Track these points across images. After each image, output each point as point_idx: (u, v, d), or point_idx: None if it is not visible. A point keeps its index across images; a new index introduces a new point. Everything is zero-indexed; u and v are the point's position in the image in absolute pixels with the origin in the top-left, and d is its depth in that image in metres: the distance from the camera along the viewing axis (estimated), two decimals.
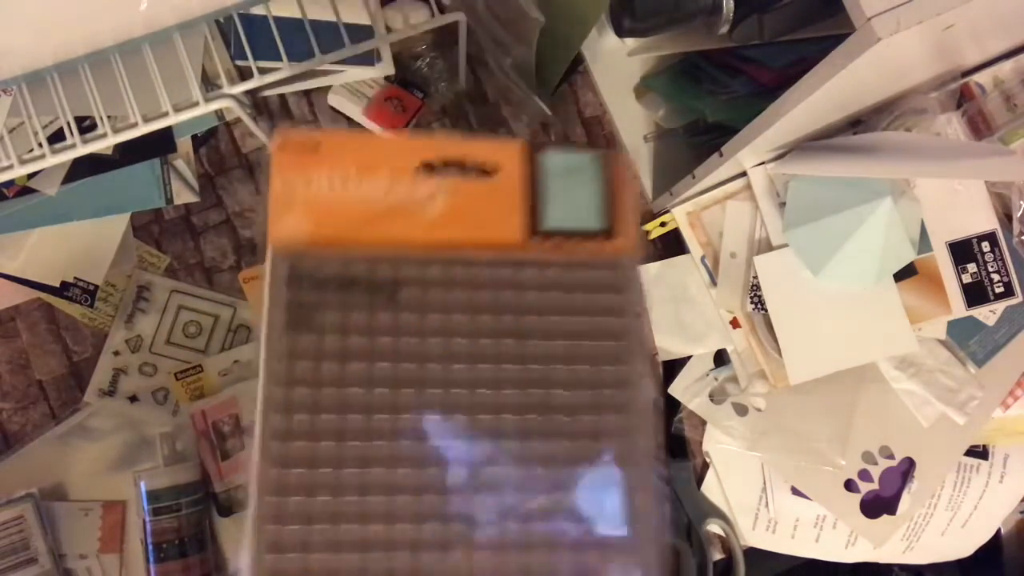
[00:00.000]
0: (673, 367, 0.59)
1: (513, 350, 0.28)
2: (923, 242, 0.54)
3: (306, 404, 0.26)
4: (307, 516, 0.26)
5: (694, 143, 0.57)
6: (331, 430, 0.26)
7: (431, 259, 0.28)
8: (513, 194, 0.28)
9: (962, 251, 0.55)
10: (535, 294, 0.28)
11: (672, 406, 0.59)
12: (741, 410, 0.57)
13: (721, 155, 0.47)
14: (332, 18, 0.49)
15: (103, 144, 0.48)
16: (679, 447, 0.60)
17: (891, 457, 0.58)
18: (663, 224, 0.57)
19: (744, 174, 0.54)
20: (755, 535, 0.60)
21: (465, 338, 0.27)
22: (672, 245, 0.58)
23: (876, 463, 0.58)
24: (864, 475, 0.58)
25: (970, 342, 0.56)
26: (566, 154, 0.29)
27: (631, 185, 0.29)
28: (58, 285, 0.54)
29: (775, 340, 0.53)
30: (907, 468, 0.58)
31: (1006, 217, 0.56)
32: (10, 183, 0.53)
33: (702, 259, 0.56)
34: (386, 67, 0.56)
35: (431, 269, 0.28)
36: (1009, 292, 0.54)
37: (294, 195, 0.28)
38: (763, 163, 0.53)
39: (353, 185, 0.28)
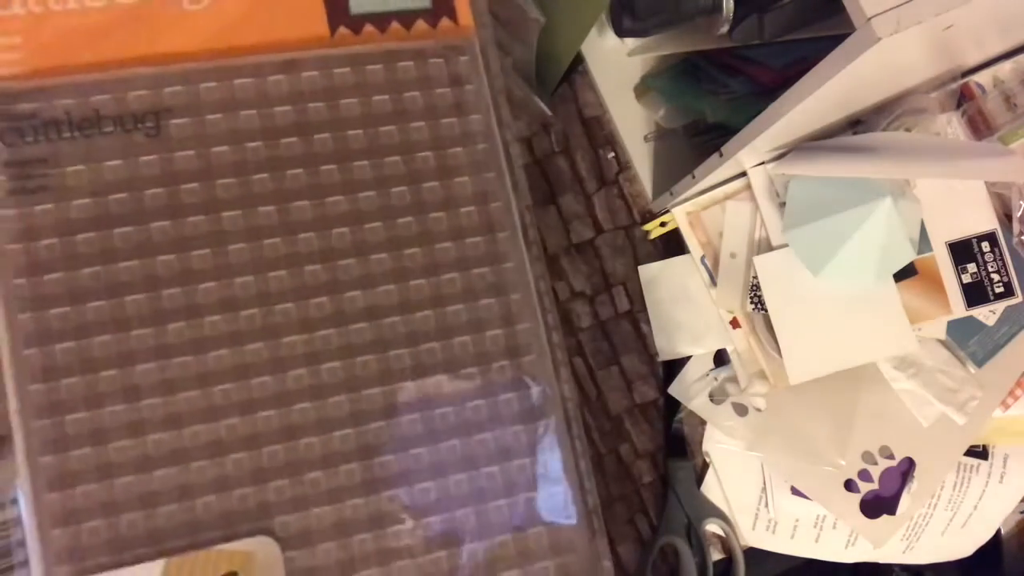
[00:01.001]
0: (673, 367, 0.59)
1: (337, 178, 0.21)
2: (923, 242, 0.54)
3: (63, 296, 0.20)
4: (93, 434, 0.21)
5: (694, 143, 0.57)
6: (103, 323, 0.20)
7: (203, 71, 0.20)
8: None
9: (962, 251, 0.55)
10: (355, 102, 0.21)
11: (672, 406, 0.59)
12: (741, 410, 0.57)
13: (721, 155, 0.47)
14: None
15: None
16: (679, 447, 0.60)
17: (891, 457, 0.58)
18: (663, 224, 0.57)
19: (744, 174, 0.54)
20: (755, 535, 0.60)
21: (268, 174, 0.20)
22: (672, 245, 0.59)
23: (876, 463, 0.58)
24: (864, 475, 0.58)
25: (970, 342, 0.56)
26: None
27: None
28: None
29: (775, 340, 0.53)
30: (907, 468, 0.58)
31: (1006, 217, 0.56)
32: None
33: (702, 259, 0.56)
34: None
35: (206, 87, 0.20)
36: (1009, 292, 0.54)
37: None
38: (763, 163, 0.53)
39: None
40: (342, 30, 0.21)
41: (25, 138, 0.19)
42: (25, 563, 0.23)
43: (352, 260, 0.22)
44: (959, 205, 0.55)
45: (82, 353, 0.20)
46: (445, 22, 0.22)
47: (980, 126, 0.54)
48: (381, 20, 0.21)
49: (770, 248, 0.54)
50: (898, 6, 0.32)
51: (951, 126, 0.54)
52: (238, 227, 0.21)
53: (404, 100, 0.22)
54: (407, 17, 0.22)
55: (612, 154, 0.60)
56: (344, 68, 0.21)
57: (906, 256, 0.52)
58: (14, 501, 0.52)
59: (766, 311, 0.54)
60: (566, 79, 0.60)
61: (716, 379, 0.58)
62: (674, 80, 0.57)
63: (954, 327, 0.56)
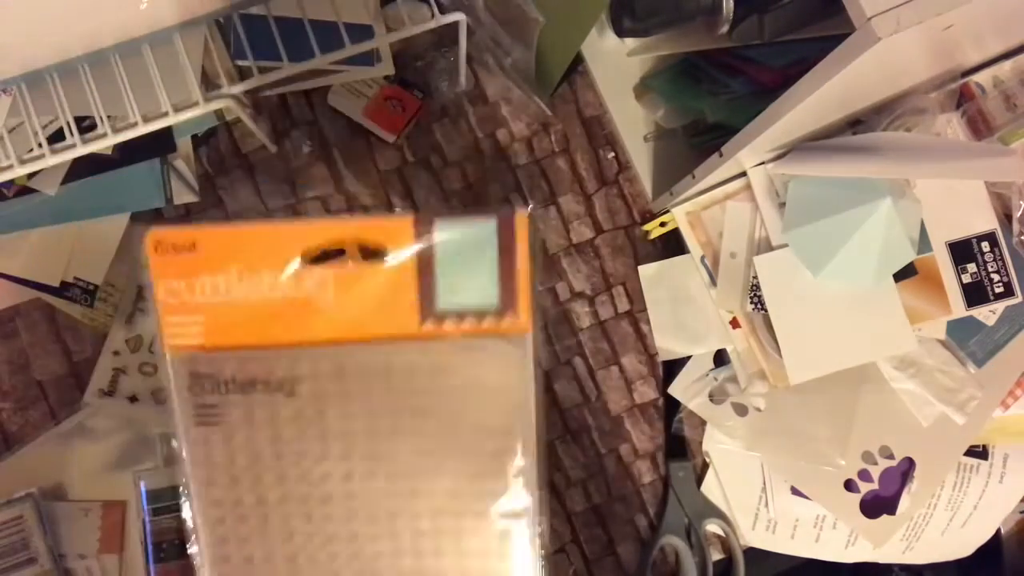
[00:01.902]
0: (673, 367, 0.59)
1: (409, 426, 0.30)
2: (923, 242, 0.54)
3: (227, 500, 0.31)
4: None
5: (694, 143, 0.57)
6: (254, 502, 0.31)
7: (324, 354, 0.30)
8: (404, 276, 0.29)
9: (962, 251, 0.55)
10: (427, 377, 0.30)
11: (672, 406, 0.59)
12: (741, 410, 0.57)
13: (721, 155, 0.47)
14: (332, 18, 0.49)
15: (103, 144, 0.48)
16: (679, 447, 0.60)
17: (891, 457, 0.58)
18: (663, 224, 0.57)
19: (744, 174, 0.54)
20: (755, 535, 0.60)
21: (362, 420, 0.30)
22: (672, 245, 0.59)
23: (876, 463, 0.58)
24: (864, 475, 0.58)
25: (970, 342, 0.56)
26: (458, 226, 0.28)
27: (527, 251, 0.29)
28: (58, 285, 0.54)
29: (775, 340, 0.53)
30: (907, 468, 0.58)
31: (1006, 217, 0.56)
32: (10, 183, 0.53)
33: (702, 259, 0.56)
34: (386, 67, 0.56)
35: (324, 363, 0.30)
36: (1009, 292, 0.54)
37: (180, 300, 0.29)
38: (763, 163, 0.53)
39: (237, 286, 0.29)
40: (428, 322, 0.29)
41: (205, 391, 0.30)
42: None
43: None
44: (959, 205, 0.55)
45: (241, 548, 0.31)
46: (508, 317, 0.29)
47: (980, 126, 0.54)
48: (459, 315, 0.29)
49: (770, 248, 0.54)
50: (898, 6, 0.32)
51: (951, 126, 0.54)
52: (338, 454, 0.31)
53: (469, 381, 0.30)
54: (479, 313, 0.29)
55: (612, 154, 0.60)
56: (428, 354, 0.30)
57: (906, 256, 0.52)
58: (16, 499, 0.52)
59: (766, 311, 0.54)
60: (566, 79, 0.60)
61: (716, 379, 0.58)
62: (674, 80, 0.57)
63: (954, 327, 0.56)
